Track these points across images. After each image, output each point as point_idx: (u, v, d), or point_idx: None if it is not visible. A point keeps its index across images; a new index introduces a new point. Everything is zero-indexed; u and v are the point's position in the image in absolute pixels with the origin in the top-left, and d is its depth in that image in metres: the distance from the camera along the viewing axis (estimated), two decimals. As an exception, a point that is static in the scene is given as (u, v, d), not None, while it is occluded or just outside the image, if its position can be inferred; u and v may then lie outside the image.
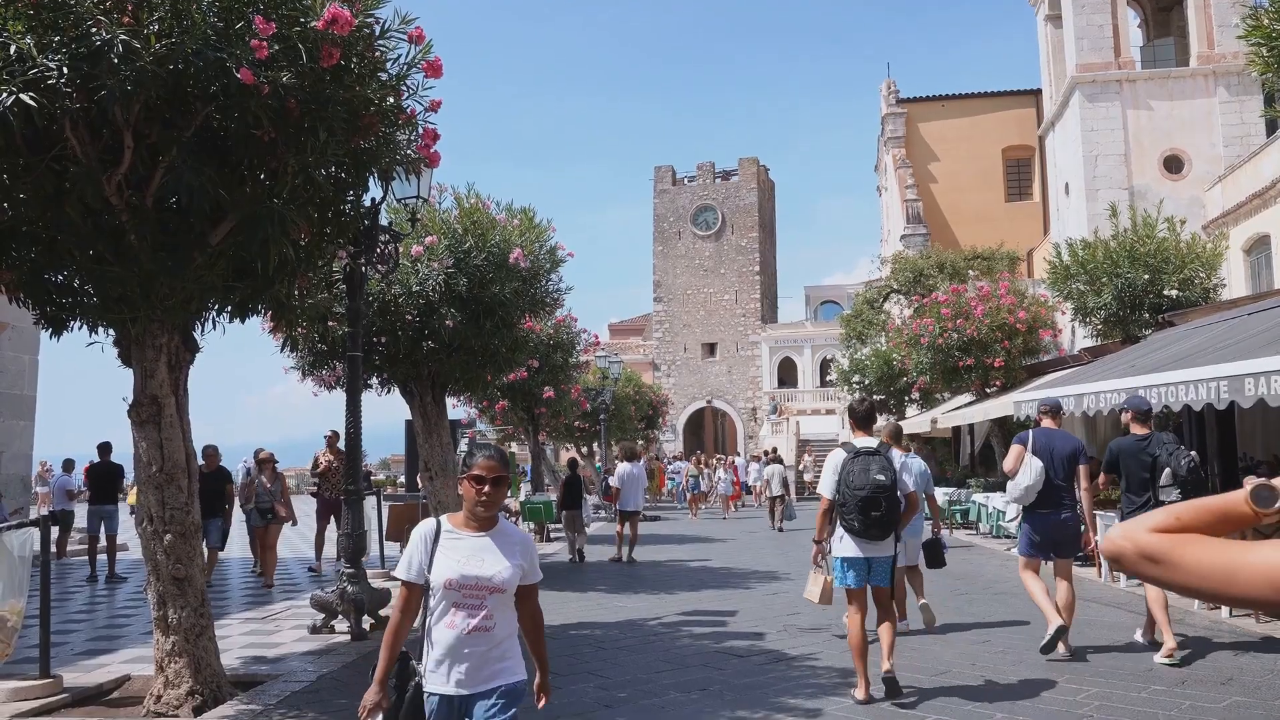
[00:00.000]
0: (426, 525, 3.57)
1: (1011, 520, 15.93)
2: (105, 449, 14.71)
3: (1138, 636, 8.18)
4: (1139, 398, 8.53)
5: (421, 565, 3.49)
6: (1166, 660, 7.34)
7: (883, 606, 6.60)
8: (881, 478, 6.25)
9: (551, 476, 26.62)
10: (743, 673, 7.34)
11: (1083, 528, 8.37)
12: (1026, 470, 7.70)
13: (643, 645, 8.56)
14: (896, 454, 6.83)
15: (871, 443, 6.56)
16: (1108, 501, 11.30)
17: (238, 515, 14.07)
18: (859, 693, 6.41)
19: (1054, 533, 7.74)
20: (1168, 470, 7.56)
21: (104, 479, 14.54)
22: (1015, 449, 7.99)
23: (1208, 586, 1.50)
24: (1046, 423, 8.23)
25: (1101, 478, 8.13)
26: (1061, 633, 7.46)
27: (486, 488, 3.44)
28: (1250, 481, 1.55)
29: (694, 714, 6.16)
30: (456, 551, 3.47)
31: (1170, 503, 7.42)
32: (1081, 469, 7.93)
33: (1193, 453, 8.03)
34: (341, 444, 14.01)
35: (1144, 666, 7.19)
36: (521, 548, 3.58)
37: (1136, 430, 7.88)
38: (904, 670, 7.19)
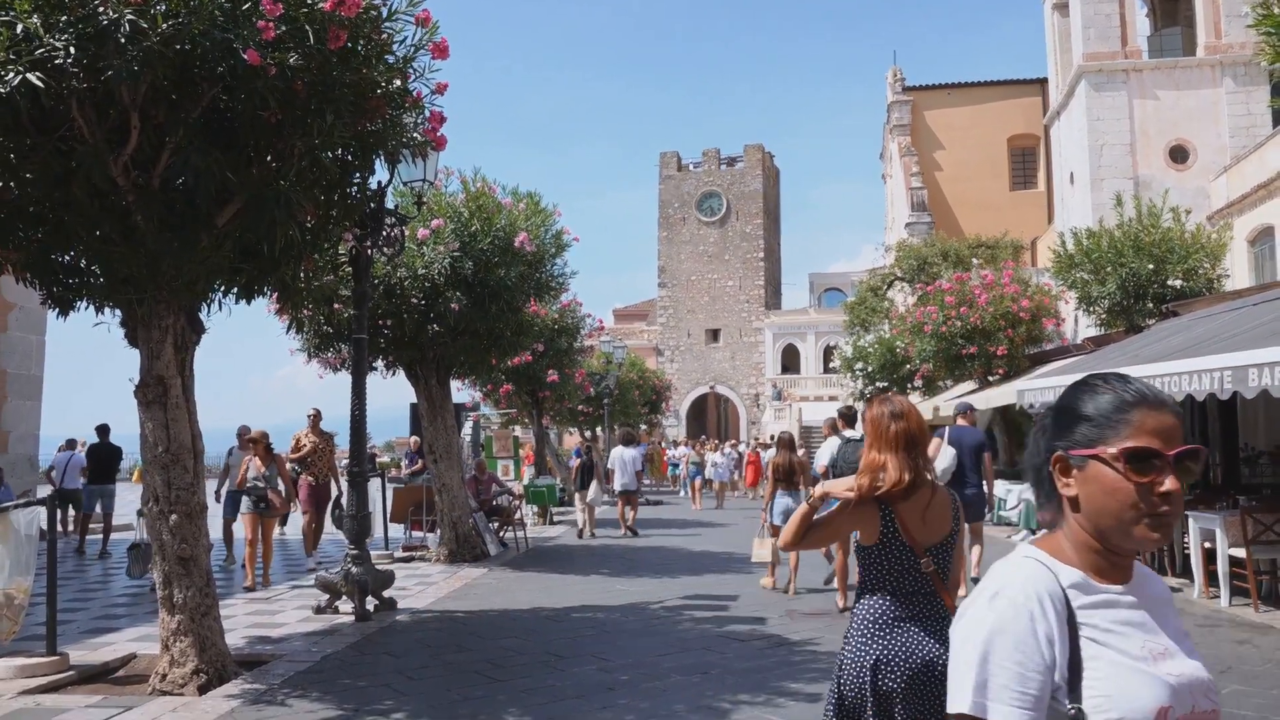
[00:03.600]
0: (1032, 580, 1.49)
1: (1013, 509, 16.00)
2: (104, 430, 15.25)
3: None
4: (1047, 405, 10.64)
5: (1057, 677, 1.44)
6: None
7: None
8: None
9: (556, 460, 26.65)
10: (744, 657, 7.38)
11: (986, 498, 10.69)
12: (942, 457, 9.92)
13: (644, 629, 8.61)
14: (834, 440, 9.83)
15: (856, 434, 9.26)
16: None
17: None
18: (839, 604, 9.17)
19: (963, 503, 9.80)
20: None
21: (103, 459, 14.90)
22: (934, 440, 10.08)
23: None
24: (961, 421, 10.66)
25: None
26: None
27: (1167, 481, 1.44)
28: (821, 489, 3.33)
29: (695, 697, 6.20)
30: (1127, 636, 1.48)
31: None
32: (986, 456, 10.33)
33: None
34: (325, 424, 14.00)
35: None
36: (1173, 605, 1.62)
37: None
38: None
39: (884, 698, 2.92)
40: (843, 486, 3.24)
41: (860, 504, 3.14)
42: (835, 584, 9.71)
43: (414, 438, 23.03)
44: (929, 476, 3.19)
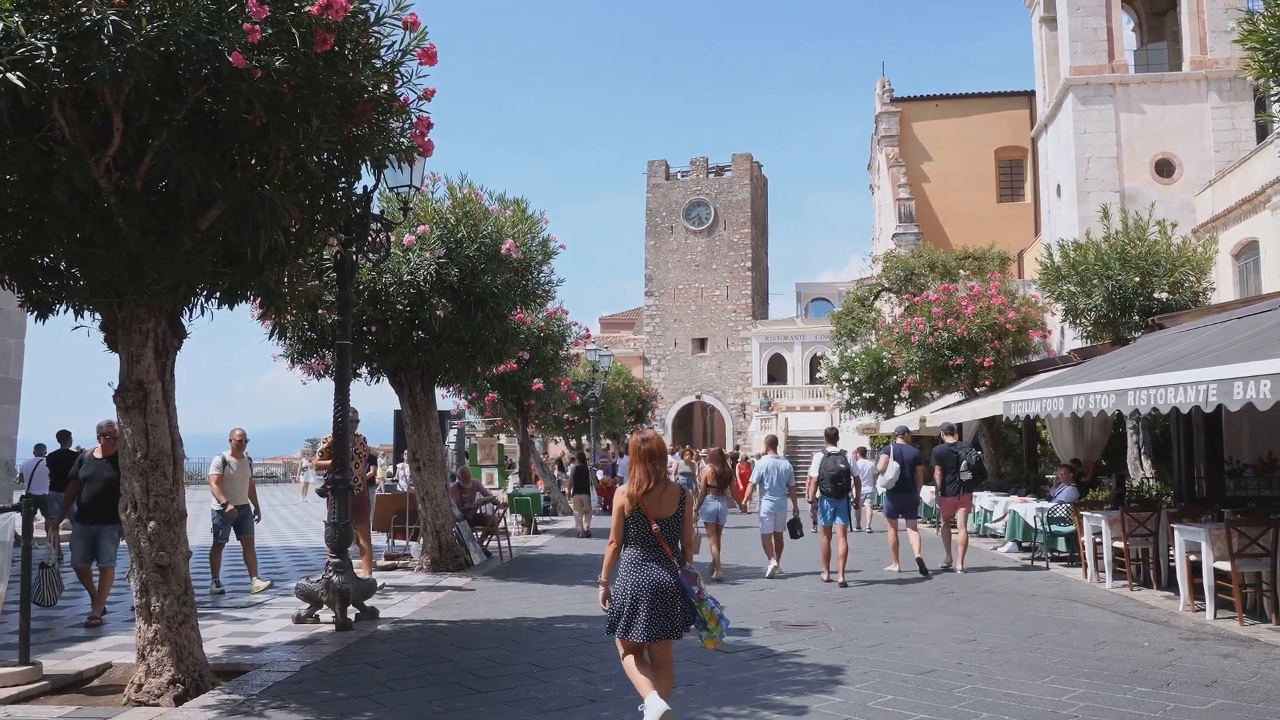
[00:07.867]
0: None
1: (999, 520, 16.01)
2: (64, 437, 15.52)
3: (957, 568, 13.11)
4: (946, 423, 15.44)
5: None
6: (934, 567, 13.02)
7: (842, 538, 12.09)
8: (842, 465, 12.30)
9: (541, 468, 26.56)
10: (729, 669, 7.32)
11: (921, 500, 13.94)
12: (890, 469, 13.25)
13: (629, 640, 8.53)
14: (769, 457, 13.07)
15: (836, 449, 12.55)
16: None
17: None
18: (823, 576, 12.14)
19: (903, 504, 13.36)
20: (964, 462, 13.37)
21: (63, 466, 14.89)
22: (883, 457, 13.63)
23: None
24: (900, 440, 13.70)
25: (936, 471, 13.58)
26: (920, 566, 12.76)
27: None
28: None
29: (679, 709, 6.13)
30: None
31: (966, 481, 13.78)
32: (920, 468, 13.51)
33: (979, 451, 14.47)
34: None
35: (1129, 668, 7.21)
36: None
37: (948, 440, 14.17)
38: (891, 669, 7.24)
39: (635, 604, 5.22)
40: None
41: (623, 509, 5.41)
42: (770, 573, 12.57)
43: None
44: (664, 475, 5.43)
